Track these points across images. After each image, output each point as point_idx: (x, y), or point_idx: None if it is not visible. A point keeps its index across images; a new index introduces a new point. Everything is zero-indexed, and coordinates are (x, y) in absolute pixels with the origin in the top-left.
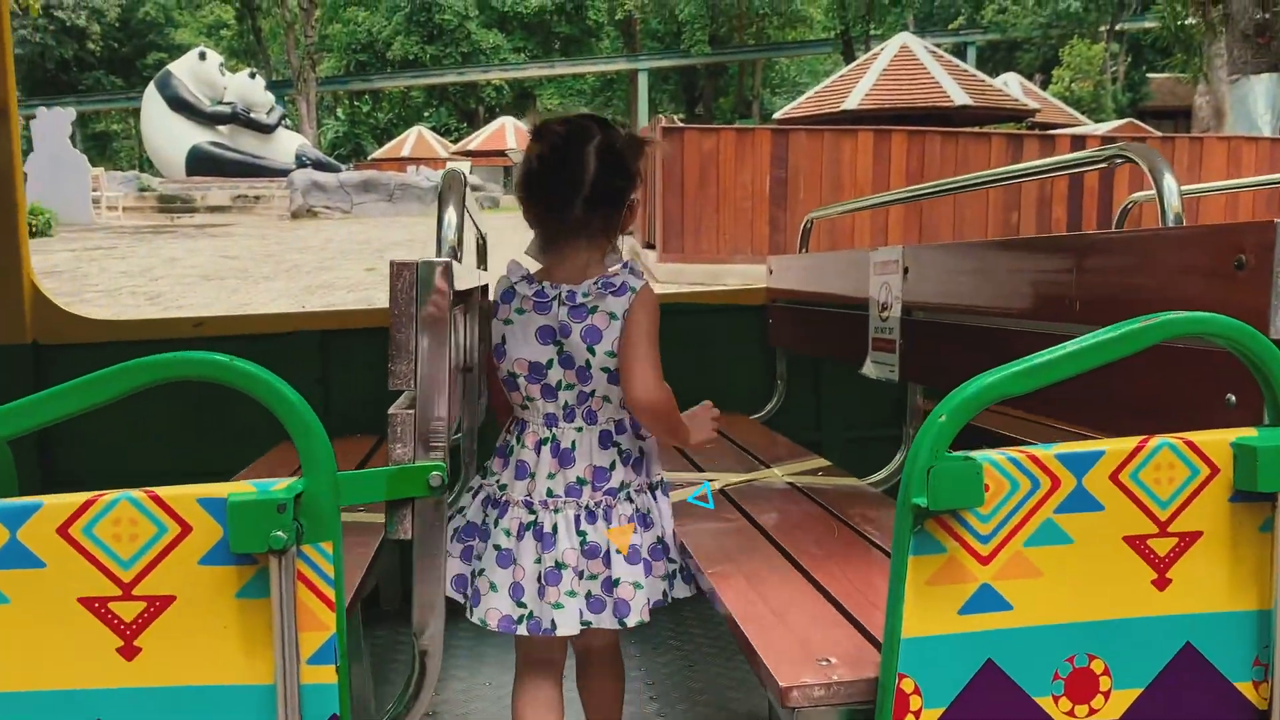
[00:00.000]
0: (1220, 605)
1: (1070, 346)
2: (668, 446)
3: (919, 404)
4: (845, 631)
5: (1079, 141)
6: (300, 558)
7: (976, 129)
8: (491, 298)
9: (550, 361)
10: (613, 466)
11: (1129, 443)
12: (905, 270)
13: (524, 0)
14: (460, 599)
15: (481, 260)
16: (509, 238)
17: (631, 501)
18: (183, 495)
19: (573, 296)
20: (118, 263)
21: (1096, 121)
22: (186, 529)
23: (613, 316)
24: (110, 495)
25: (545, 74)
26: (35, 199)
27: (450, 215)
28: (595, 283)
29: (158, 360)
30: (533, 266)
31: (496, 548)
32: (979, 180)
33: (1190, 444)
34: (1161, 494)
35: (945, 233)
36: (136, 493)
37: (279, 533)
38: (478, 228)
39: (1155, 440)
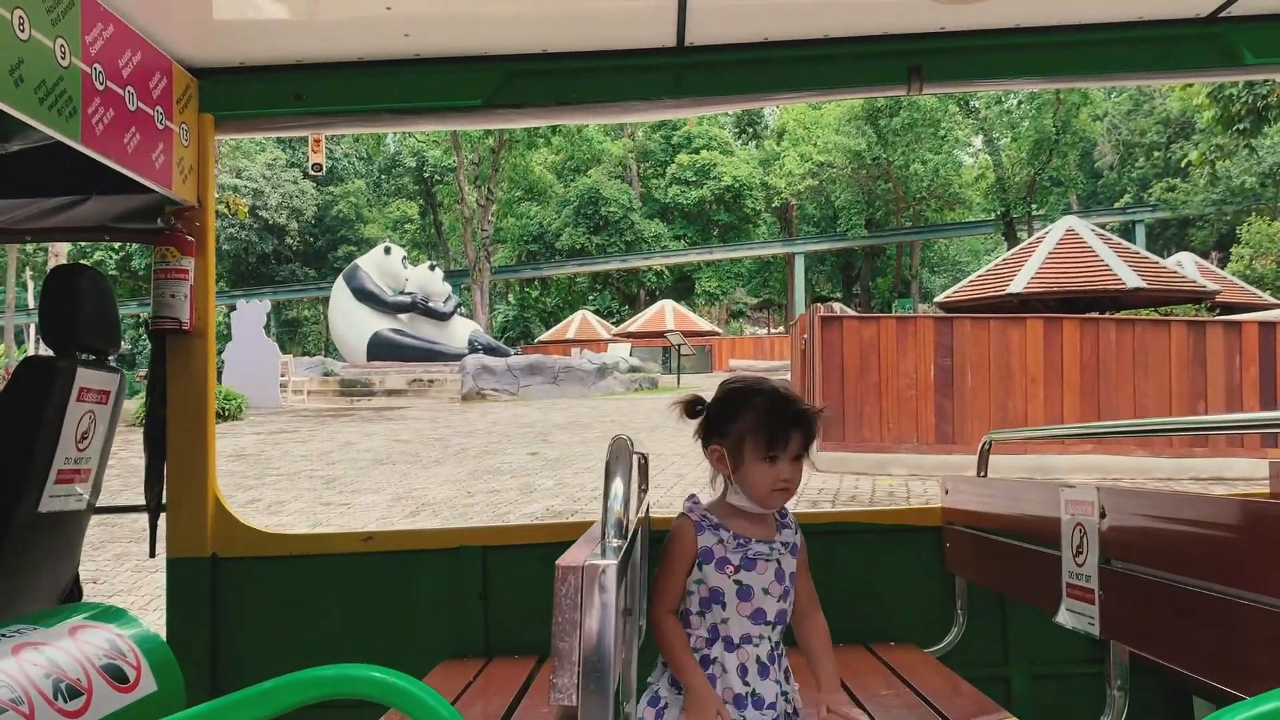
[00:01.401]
0: None
1: None
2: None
3: (1125, 662)
4: None
5: (1268, 328)
6: None
7: (1154, 314)
8: None
9: None
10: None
11: None
12: (1102, 512)
13: (685, 193)
14: None
15: (643, 480)
16: (666, 419)
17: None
18: None
19: None
20: (298, 446)
21: None
22: None
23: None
24: None
25: (704, 259)
26: (229, 384)
27: (617, 486)
28: None
29: (319, 677)
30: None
31: None
32: (1175, 426)
33: None
34: None
35: (1125, 416)
36: None
37: None
38: (641, 454)
39: None
